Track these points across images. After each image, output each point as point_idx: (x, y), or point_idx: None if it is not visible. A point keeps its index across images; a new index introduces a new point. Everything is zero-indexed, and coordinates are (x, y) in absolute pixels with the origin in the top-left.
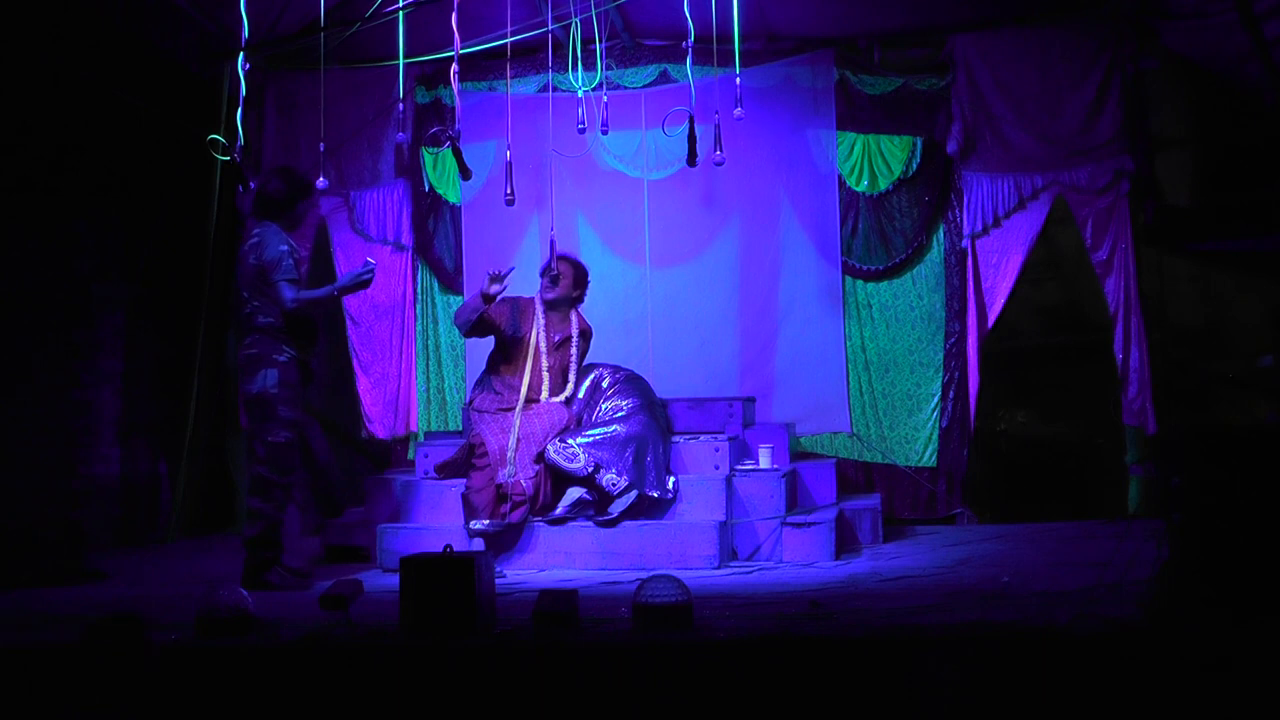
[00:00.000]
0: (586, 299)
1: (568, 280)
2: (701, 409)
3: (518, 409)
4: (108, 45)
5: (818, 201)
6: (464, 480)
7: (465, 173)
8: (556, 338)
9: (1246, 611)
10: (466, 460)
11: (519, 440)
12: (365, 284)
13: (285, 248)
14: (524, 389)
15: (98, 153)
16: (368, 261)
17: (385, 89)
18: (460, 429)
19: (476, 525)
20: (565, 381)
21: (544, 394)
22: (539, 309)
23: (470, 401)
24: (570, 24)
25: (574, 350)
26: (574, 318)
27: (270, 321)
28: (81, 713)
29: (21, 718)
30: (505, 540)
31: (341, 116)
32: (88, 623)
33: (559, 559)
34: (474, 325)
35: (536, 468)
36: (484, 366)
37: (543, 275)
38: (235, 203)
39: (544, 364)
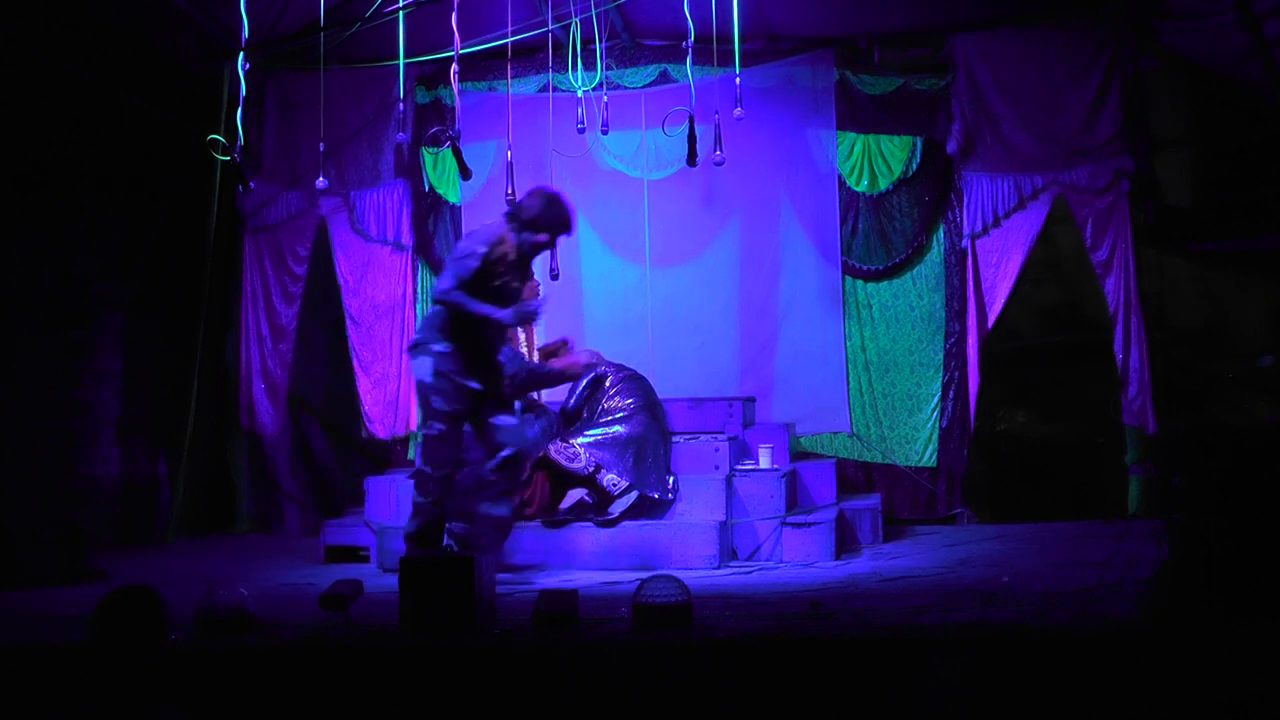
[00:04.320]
0: (587, 297)
1: None
2: (701, 409)
3: None
4: (108, 45)
5: (818, 201)
6: None
7: (465, 173)
8: None
9: (1246, 612)
10: None
11: None
12: (532, 317)
13: (483, 250)
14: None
15: (98, 153)
16: (539, 296)
17: (385, 89)
18: None
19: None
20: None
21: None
22: None
23: None
24: (570, 24)
25: (520, 333)
26: None
27: (436, 310)
28: (91, 702)
29: (22, 717)
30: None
31: (341, 116)
32: (101, 599)
33: (559, 559)
34: None
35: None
36: None
37: None
38: (235, 203)
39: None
